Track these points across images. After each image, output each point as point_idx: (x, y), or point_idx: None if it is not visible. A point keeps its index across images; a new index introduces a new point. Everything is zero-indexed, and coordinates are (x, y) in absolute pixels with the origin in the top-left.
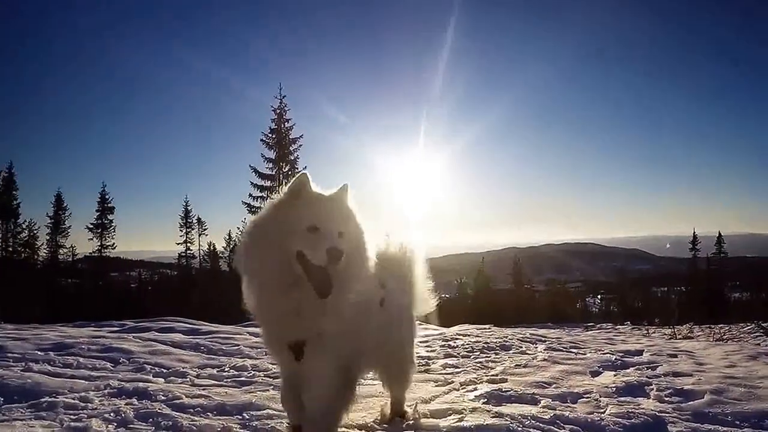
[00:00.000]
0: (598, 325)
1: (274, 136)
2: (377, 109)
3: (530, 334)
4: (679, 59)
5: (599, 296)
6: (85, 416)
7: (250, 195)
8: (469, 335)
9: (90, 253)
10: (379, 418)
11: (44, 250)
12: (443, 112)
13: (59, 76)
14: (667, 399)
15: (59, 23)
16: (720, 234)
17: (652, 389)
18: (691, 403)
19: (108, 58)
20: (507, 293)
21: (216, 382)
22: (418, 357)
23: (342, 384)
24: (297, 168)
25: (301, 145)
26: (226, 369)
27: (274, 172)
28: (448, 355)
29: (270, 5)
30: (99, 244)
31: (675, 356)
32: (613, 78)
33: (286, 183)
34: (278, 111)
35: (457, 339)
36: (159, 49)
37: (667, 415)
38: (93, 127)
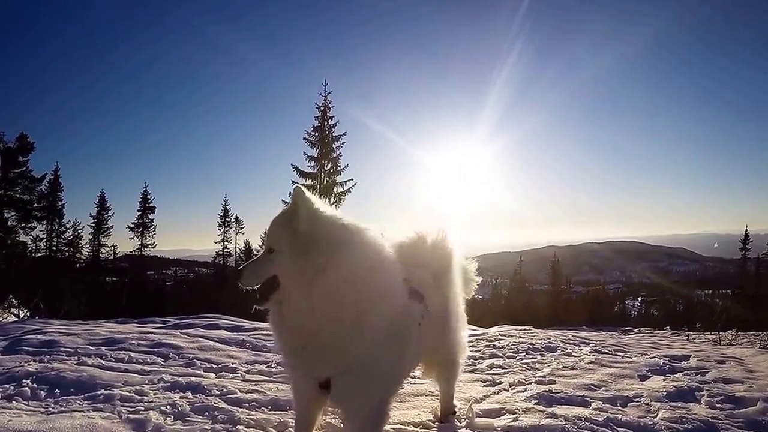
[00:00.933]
0: (637, 329)
1: (316, 134)
2: (419, 109)
3: (572, 336)
4: (725, 54)
5: (639, 298)
6: (142, 408)
7: (290, 194)
8: (511, 336)
9: (130, 251)
10: (432, 416)
11: (87, 249)
12: (485, 112)
13: (102, 81)
14: (718, 405)
15: (102, 25)
16: None
17: (703, 395)
18: (744, 410)
19: (148, 62)
20: (542, 294)
21: (266, 378)
22: None
23: (382, 422)
24: (339, 166)
25: (344, 143)
26: (273, 365)
27: (315, 171)
28: (493, 356)
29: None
30: (139, 243)
31: (723, 363)
32: (653, 74)
33: (327, 181)
34: (322, 108)
35: (500, 339)
36: (199, 52)
37: (719, 421)
38: (136, 130)
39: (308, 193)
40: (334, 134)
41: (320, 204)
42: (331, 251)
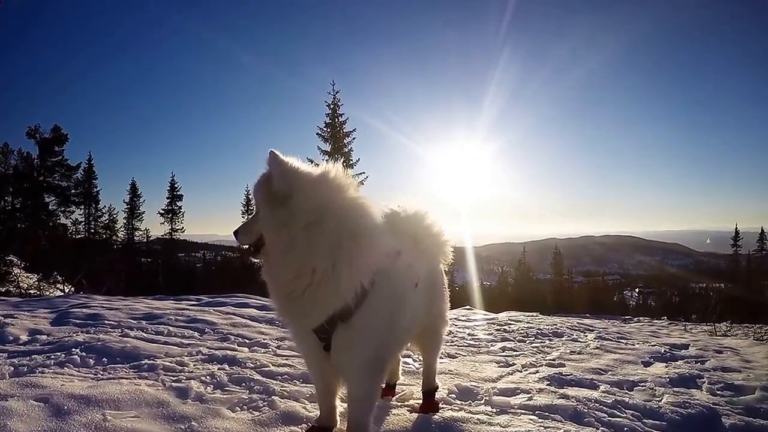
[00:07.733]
0: (636, 319)
1: (328, 129)
2: (427, 105)
3: (577, 323)
4: (721, 56)
5: (637, 289)
6: (184, 378)
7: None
8: (520, 321)
9: (161, 235)
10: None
11: (122, 233)
12: (491, 108)
13: (131, 78)
14: (719, 392)
15: (133, 23)
16: (763, 230)
17: (704, 382)
18: (743, 397)
19: (174, 62)
20: (546, 283)
21: (295, 354)
22: (477, 339)
23: (376, 376)
24: (351, 160)
25: (354, 138)
26: None
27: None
28: (504, 339)
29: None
30: (170, 228)
31: (720, 352)
32: (654, 74)
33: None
34: (332, 106)
35: (510, 324)
36: (220, 51)
37: (720, 407)
38: (163, 124)
39: (281, 155)
40: (344, 130)
41: (294, 162)
42: (303, 203)
